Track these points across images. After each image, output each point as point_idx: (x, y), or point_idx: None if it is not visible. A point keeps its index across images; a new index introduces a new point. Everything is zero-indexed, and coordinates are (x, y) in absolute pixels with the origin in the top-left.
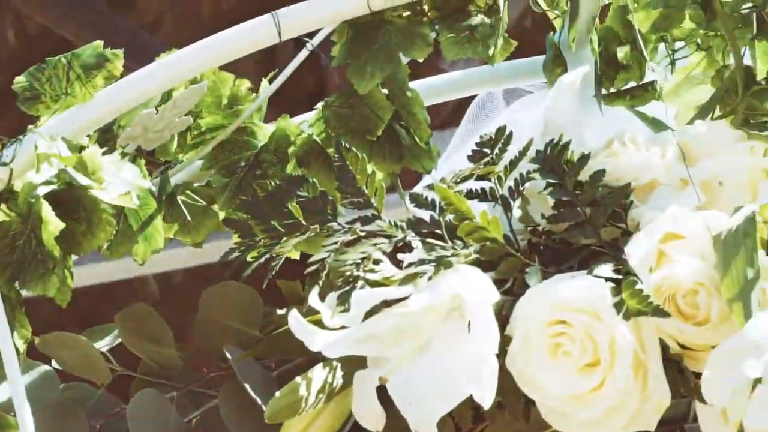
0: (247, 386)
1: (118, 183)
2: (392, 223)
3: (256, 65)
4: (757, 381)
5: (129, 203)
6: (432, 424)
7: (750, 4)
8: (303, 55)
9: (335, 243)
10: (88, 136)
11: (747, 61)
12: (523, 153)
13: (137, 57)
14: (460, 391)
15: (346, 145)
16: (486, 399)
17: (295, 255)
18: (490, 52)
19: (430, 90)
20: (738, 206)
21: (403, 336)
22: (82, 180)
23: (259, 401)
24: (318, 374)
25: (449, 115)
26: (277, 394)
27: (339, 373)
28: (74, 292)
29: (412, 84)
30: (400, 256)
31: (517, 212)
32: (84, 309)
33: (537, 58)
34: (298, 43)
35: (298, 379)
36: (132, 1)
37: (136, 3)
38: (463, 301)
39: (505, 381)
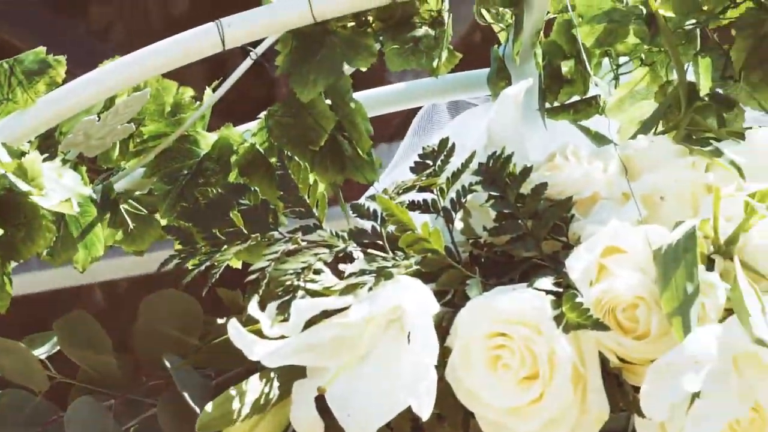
0: (186, 395)
1: (59, 190)
2: (333, 233)
3: (206, 75)
4: (696, 395)
5: (69, 210)
6: None
7: (693, 21)
8: (246, 64)
9: (276, 252)
10: (29, 142)
11: (690, 77)
12: (465, 165)
13: (86, 65)
14: (399, 402)
15: (289, 154)
16: (424, 410)
17: (237, 264)
18: (435, 63)
19: (373, 101)
20: (679, 221)
21: (343, 346)
22: (22, 186)
23: (197, 410)
24: (253, 385)
25: (398, 127)
26: (210, 404)
27: (276, 383)
28: (19, 299)
29: (355, 95)
30: (341, 266)
31: (458, 224)
32: (29, 317)
33: (481, 71)
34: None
35: (231, 389)
36: (83, 9)
37: (87, 11)
38: (404, 312)
39: (445, 393)
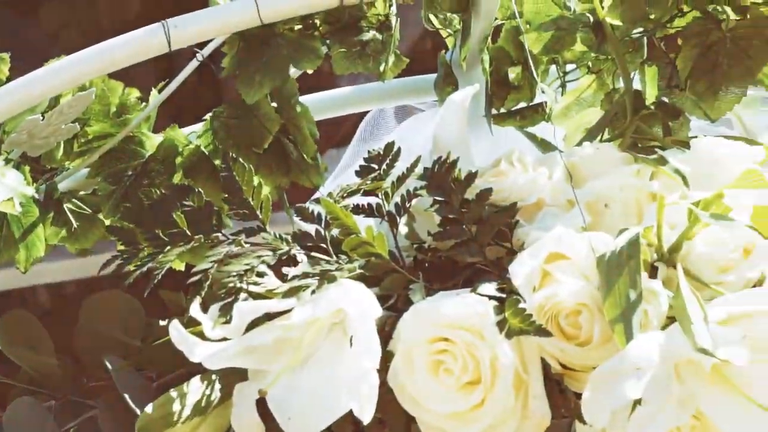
0: (126, 396)
1: (1, 189)
2: (277, 235)
3: (156, 76)
4: (637, 402)
5: (11, 210)
6: None
7: (640, 29)
8: (192, 65)
9: (219, 254)
10: None
11: (637, 85)
12: (410, 169)
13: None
14: (340, 406)
15: (234, 156)
16: (365, 414)
17: (180, 266)
18: (381, 68)
19: (320, 105)
20: (623, 228)
21: (285, 349)
22: None
23: (138, 411)
24: (194, 386)
25: (347, 133)
26: (150, 405)
27: (217, 385)
28: None
29: (301, 98)
30: (285, 270)
31: (403, 229)
32: None
33: (429, 76)
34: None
35: (172, 391)
36: (34, 11)
37: (38, 13)
38: (346, 315)
39: (386, 397)
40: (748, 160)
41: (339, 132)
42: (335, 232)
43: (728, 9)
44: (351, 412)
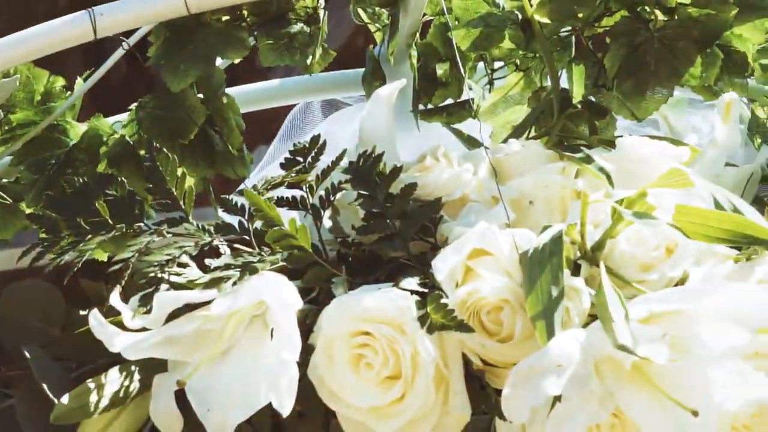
0: (45, 386)
1: None
2: (200, 226)
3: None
4: (557, 399)
5: None
6: (229, 430)
7: (569, 28)
8: (118, 54)
9: (141, 244)
10: None
11: (564, 83)
12: (335, 163)
13: None
14: (259, 399)
15: (158, 146)
16: (285, 407)
17: (103, 256)
18: (309, 61)
19: (247, 97)
20: (546, 225)
21: (205, 340)
22: None
23: (56, 401)
24: (113, 377)
25: (278, 129)
26: (66, 395)
27: (137, 376)
28: None
29: (228, 90)
30: (207, 261)
31: (327, 222)
32: None
33: (356, 71)
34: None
35: (89, 381)
36: None
37: None
38: (267, 307)
39: (306, 390)
40: (673, 160)
41: (269, 129)
42: (259, 224)
43: (656, 9)
44: (270, 405)
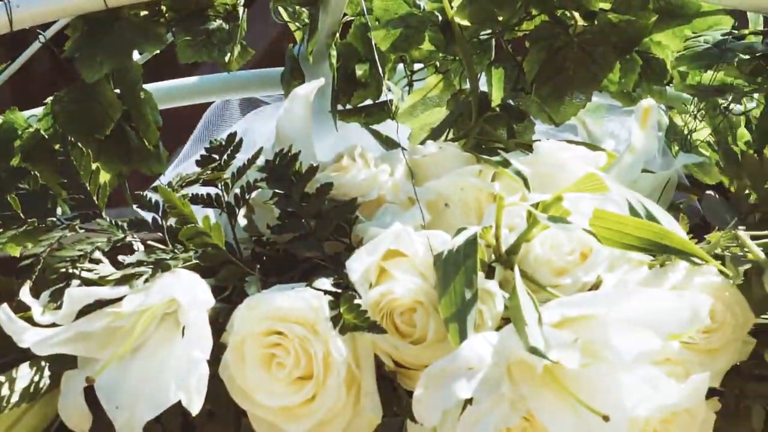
0: None
1: None
2: (113, 222)
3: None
4: (468, 402)
5: None
6: (138, 428)
7: (489, 31)
8: (35, 47)
9: (53, 238)
10: None
11: (483, 87)
12: (251, 161)
13: None
14: (169, 397)
15: (73, 140)
16: (194, 406)
17: (15, 251)
18: (227, 58)
19: (164, 94)
20: (461, 227)
21: (115, 337)
22: None
23: None
24: (23, 373)
25: None
26: None
27: (47, 372)
28: None
29: (146, 86)
30: (120, 257)
31: (242, 221)
32: None
33: (276, 69)
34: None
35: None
36: None
37: None
38: (179, 305)
39: (217, 389)
40: (590, 165)
41: (191, 129)
42: (173, 221)
43: (576, 14)
44: (180, 403)
